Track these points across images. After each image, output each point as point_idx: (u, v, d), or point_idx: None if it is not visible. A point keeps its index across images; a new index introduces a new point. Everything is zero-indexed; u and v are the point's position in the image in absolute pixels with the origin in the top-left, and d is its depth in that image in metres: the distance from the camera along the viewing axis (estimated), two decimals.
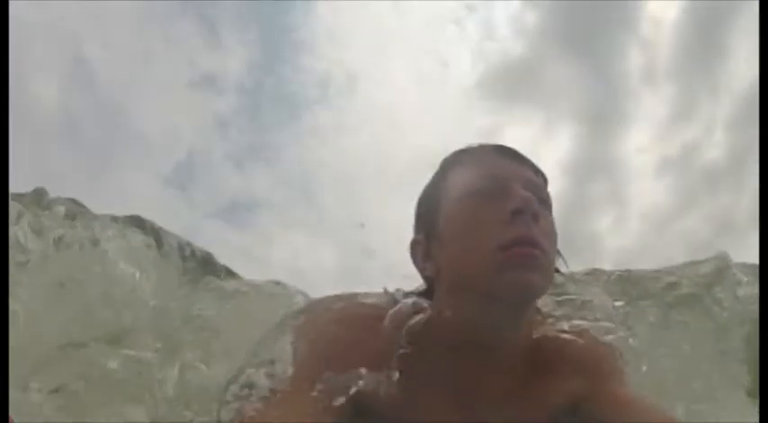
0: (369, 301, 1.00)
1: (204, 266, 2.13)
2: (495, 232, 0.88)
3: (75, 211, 1.90)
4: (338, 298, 1.02)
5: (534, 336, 0.99)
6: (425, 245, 0.98)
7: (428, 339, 0.93)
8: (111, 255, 1.67)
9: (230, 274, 2.35)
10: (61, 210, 1.82)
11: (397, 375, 0.90)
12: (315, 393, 0.85)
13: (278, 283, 2.15)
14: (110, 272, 1.64)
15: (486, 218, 0.90)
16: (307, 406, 0.84)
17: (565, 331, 1.02)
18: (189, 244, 2.17)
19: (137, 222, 2.06)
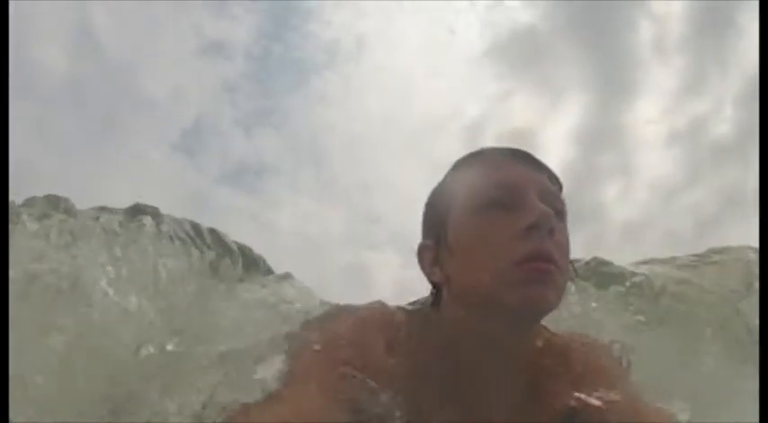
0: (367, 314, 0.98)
1: (215, 267, 1.82)
2: (509, 246, 0.86)
3: (55, 218, 1.54)
4: (335, 314, 1.00)
5: (538, 344, 0.97)
6: (434, 250, 0.96)
7: (433, 346, 0.93)
8: (97, 297, 1.34)
9: (246, 261, 2.05)
10: (34, 227, 1.44)
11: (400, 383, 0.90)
12: (317, 392, 0.83)
13: (298, 290, 1.87)
14: (92, 320, 1.32)
15: (501, 230, 0.87)
16: (307, 403, 0.82)
17: (568, 338, 1.02)
18: (198, 234, 1.84)
19: (136, 212, 1.71)
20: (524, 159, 0.95)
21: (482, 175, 0.93)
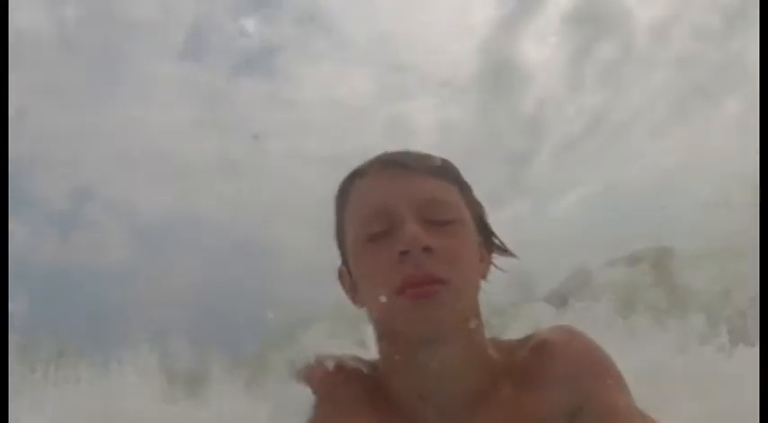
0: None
1: None
2: (388, 276, 0.87)
3: None
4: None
5: (493, 355, 0.96)
6: (349, 278, 0.97)
7: (399, 386, 0.94)
8: None
9: None
10: None
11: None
12: None
13: None
14: None
15: (380, 261, 0.89)
16: None
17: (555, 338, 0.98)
18: None
19: None
20: (398, 171, 0.94)
21: (361, 202, 0.95)
